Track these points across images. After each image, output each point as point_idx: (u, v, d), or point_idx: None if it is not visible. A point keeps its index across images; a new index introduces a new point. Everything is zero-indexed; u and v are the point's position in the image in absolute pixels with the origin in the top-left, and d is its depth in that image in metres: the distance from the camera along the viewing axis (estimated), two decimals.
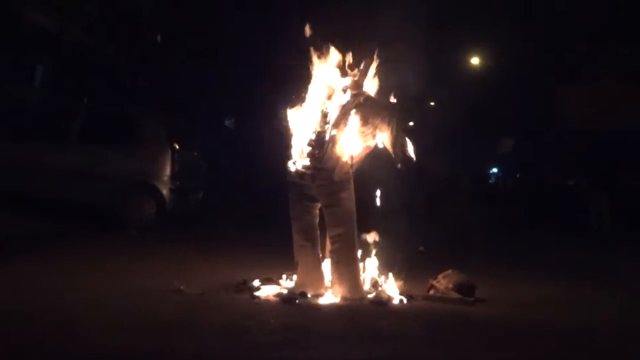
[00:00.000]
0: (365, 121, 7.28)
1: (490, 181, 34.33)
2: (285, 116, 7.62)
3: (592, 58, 23.77)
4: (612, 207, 16.65)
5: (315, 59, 7.59)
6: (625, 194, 17.55)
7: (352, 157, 7.31)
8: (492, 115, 29.69)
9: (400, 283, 7.48)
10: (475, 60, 30.47)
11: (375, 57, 7.52)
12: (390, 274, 7.52)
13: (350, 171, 7.32)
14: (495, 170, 32.29)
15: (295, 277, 7.40)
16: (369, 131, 7.31)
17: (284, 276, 7.57)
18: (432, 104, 30.80)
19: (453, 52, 28.24)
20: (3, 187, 12.36)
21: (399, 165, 7.30)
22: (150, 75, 21.98)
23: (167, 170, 12.55)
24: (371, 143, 7.40)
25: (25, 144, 12.57)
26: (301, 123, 7.54)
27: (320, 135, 7.36)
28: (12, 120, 13.11)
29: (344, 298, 7.07)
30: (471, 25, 25.32)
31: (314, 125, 7.47)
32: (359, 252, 7.40)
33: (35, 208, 11.96)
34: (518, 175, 26.67)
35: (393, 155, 7.28)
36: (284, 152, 7.59)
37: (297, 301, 6.88)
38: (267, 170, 14.11)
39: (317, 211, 7.43)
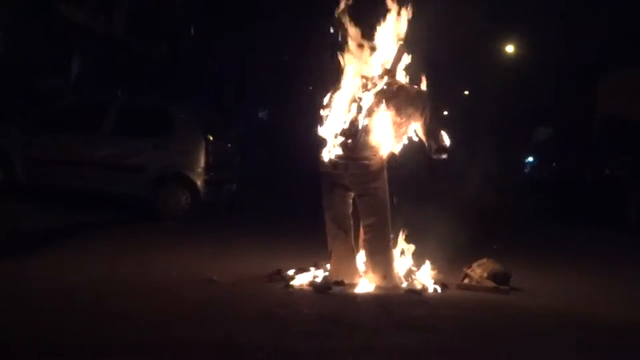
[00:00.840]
0: (398, 110, 7.23)
1: (526, 170, 33.97)
2: (320, 106, 7.62)
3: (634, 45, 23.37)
4: None
5: (348, 49, 7.57)
6: None
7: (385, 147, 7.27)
8: (529, 104, 29.40)
9: (435, 272, 7.44)
10: (510, 49, 30.15)
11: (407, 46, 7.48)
12: (425, 263, 7.49)
13: (384, 161, 7.29)
14: (531, 159, 31.90)
15: (328, 266, 7.39)
16: (402, 120, 7.25)
17: (314, 267, 7.54)
18: (467, 92, 30.58)
19: (490, 40, 28.00)
20: (41, 180, 12.54)
21: (433, 155, 7.25)
22: (184, 68, 22.10)
23: (201, 162, 12.60)
24: (405, 132, 7.35)
25: (61, 136, 12.72)
26: (335, 113, 7.52)
27: (353, 124, 7.33)
28: (48, 113, 13.27)
29: (377, 287, 7.04)
30: (508, 12, 25.08)
31: (347, 115, 7.43)
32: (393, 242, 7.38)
33: (72, 200, 12.10)
34: (554, 164, 26.29)
35: (427, 145, 7.23)
36: (318, 142, 7.58)
37: (330, 290, 6.87)
38: (301, 160, 14.10)
39: (350, 200, 7.40)
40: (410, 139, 7.39)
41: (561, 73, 26.74)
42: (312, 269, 7.47)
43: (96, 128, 12.73)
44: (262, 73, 23.78)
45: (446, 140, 7.21)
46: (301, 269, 7.42)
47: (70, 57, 18.09)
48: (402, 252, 7.53)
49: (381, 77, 7.42)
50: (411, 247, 7.57)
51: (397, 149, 7.37)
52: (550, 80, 27.46)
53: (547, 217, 17.23)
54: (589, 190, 19.12)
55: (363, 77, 7.54)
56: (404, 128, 7.30)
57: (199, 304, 6.13)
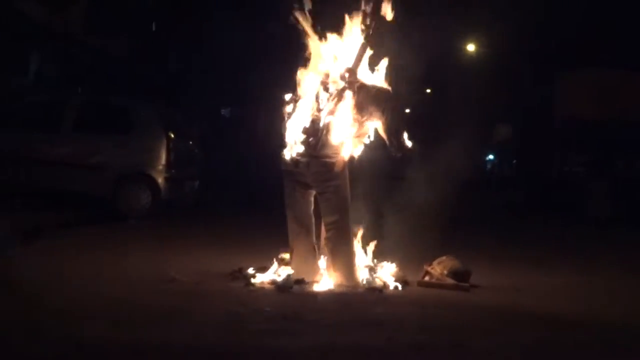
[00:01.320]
0: (359, 108, 7.25)
1: (487, 167, 34.33)
2: (281, 104, 7.62)
3: (593, 45, 23.71)
4: (611, 195, 16.58)
5: (309, 47, 7.57)
6: (624, 182, 17.52)
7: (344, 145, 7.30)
8: (489, 103, 29.63)
9: (395, 269, 7.49)
10: (471, 47, 30.40)
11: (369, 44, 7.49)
12: (385, 261, 7.54)
13: (345, 159, 7.31)
14: (491, 157, 32.25)
15: (290, 264, 7.40)
16: (364, 119, 7.28)
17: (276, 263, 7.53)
18: (428, 91, 30.74)
19: (449, 39, 28.16)
20: (1, 178, 12.37)
21: (394, 154, 7.29)
22: (145, 65, 21.93)
23: (163, 160, 12.57)
24: (366, 131, 7.38)
25: (20, 134, 12.57)
26: (296, 111, 7.53)
27: (314, 122, 7.34)
28: (6, 111, 13.09)
29: (339, 285, 7.07)
30: (467, 10, 25.24)
31: (309, 113, 7.44)
32: (354, 240, 7.42)
33: (31, 199, 11.97)
34: (514, 162, 26.64)
35: (388, 143, 7.26)
36: (279, 139, 7.59)
37: (292, 289, 6.89)
38: (262, 158, 14.11)
39: (312, 199, 7.43)
40: (371, 138, 7.42)
41: (520, 71, 27.01)
42: (273, 266, 7.47)
43: (56, 126, 12.61)
44: (224, 69, 23.69)
45: (406, 139, 7.25)
46: (262, 268, 7.42)
47: (28, 54, 17.83)
48: (363, 250, 7.58)
49: (343, 75, 7.43)
50: (372, 245, 7.62)
51: (358, 149, 7.40)
52: (509, 78, 27.72)
53: (509, 214, 17.45)
54: (550, 186, 19.43)
55: (325, 75, 7.55)
56: (366, 127, 7.33)
57: (160, 304, 6.10)
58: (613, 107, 20.43)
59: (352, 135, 7.31)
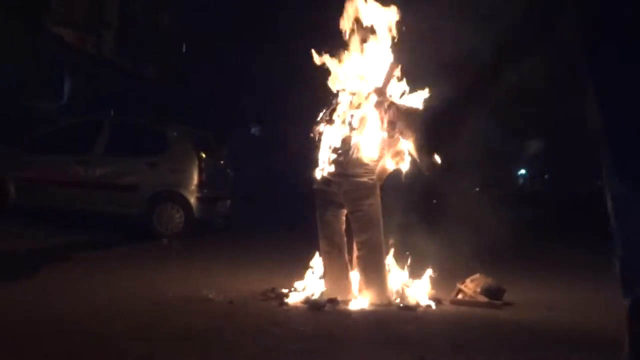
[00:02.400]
0: (389, 127, 7.28)
1: (519, 182, 34.08)
2: (313, 124, 7.68)
3: None
4: None
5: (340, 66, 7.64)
6: None
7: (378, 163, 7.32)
8: (522, 117, 29.43)
9: (429, 288, 7.47)
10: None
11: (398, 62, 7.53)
12: (418, 279, 7.52)
13: (377, 178, 7.33)
14: (523, 171, 32.02)
15: (323, 283, 7.41)
16: (395, 137, 7.30)
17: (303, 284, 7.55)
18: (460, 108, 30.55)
19: (480, 52, 28.07)
20: (34, 201, 12.57)
21: (425, 171, 7.29)
22: (175, 88, 22.17)
23: (195, 180, 12.69)
24: (401, 149, 7.38)
25: (55, 157, 12.77)
26: (327, 130, 7.58)
27: (345, 141, 7.38)
28: (41, 135, 13.31)
29: (371, 304, 7.07)
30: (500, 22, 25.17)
31: (340, 132, 7.49)
32: (387, 258, 7.42)
33: (67, 221, 12.13)
34: (546, 177, 26.44)
35: (418, 161, 7.27)
36: (311, 159, 7.63)
37: (325, 308, 6.90)
38: (294, 177, 14.15)
39: (344, 217, 7.45)
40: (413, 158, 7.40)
41: (553, 85, 26.79)
42: (303, 287, 7.48)
43: (89, 148, 12.79)
44: (255, 89, 23.85)
45: (437, 157, 7.25)
46: (295, 289, 7.44)
47: (62, 78, 18.13)
48: (397, 268, 7.57)
49: (372, 94, 7.47)
50: (405, 263, 7.61)
51: (403, 168, 7.39)
52: (542, 92, 27.51)
53: (541, 230, 17.27)
54: (581, 203, 19.22)
55: (354, 94, 7.60)
56: (400, 145, 7.34)
57: (194, 323, 6.14)
58: None
59: (387, 155, 7.32)
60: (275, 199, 18.69)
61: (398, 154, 7.36)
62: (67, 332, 5.63)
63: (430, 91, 7.53)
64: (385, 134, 7.27)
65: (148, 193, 12.56)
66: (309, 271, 7.59)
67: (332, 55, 7.68)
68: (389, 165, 7.40)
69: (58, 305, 6.61)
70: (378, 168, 7.34)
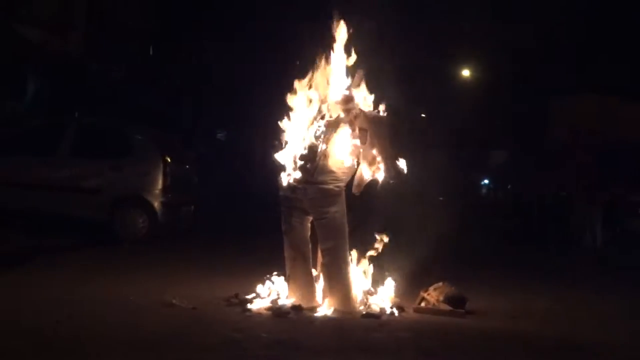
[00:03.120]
0: (361, 135, 7.31)
1: (483, 192, 34.40)
2: (278, 129, 7.68)
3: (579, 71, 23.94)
4: (605, 221, 16.57)
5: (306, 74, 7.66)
6: (619, 209, 17.55)
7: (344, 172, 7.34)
8: (485, 128, 29.76)
9: (392, 296, 7.50)
10: (466, 72, 30.59)
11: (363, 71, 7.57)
12: (382, 287, 7.55)
13: (342, 184, 7.35)
14: (486, 181, 32.34)
15: (287, 290, 7.41)
16: (362, 145, 7.33)
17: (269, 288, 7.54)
18: (423, 115, 30.85)
19: (444, 64, 28.34)
20: None
21: (390, 180, 7.33)
22: (141, 89, 22.01)
23: (159, 184, 12.59)
24: (371, 156, 7.39)
25: (17, 158, 12.60)
26: (293, 137, 7.58)
27: (312, 148, 7.39)
28: (5, 136, 13.12)
29: (336, 311, 7.08)
30: (462, 37, 25.46)
31: (306, 139, 7.50)
32: (350, 266, 7.43)
33: (27, 223, 11.97)
34: (509, 187, 26.72)
35: (385, 169, 7.30)
36: (276, 165, 7.63)
37: (289, 315, 6.90)
38: (258, 182, 14.15)
39: (309, 224, 7.45)
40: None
41: (515, 97, 27.17)
42: (268, 293, 7.47)
43: (53, 150, 12.63)
44: (221, 94, 23.78)
45: (403, 165, 7.30)
46: (259, 295, 7.42)
47: (25, 78, 17.89)
48: (362, 275, 7.59)
49: (340, 102, 7.49)
50: (369, 271, 7.63)
51: (379, 177, 7.40)
52: (505, 103, 27.87)
53: (504, 240, 17.45)
54: (544, 212, 19.47)
55: (322, 101, 7.61)
56: (369, 153, 7.34)
57: (157, 329, 6.10)
58: (607, 132, 20.55)
59: (363, 163, 7.33)
60: (240, 205, 18.63)
61: (373, 162, 7.37)
62: (29, 337, 5.57)
63: (389, 100, 7.57)
64: (358, 142, 7.28)
65: (111, 196, 12.43)
66: (273, 277, 7.57)
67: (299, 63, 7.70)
68: (366, 174, 7.41)
69: (19, 310, 6.53)
70: (356, 178, 7.35)
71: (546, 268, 12.09)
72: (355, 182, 7.41)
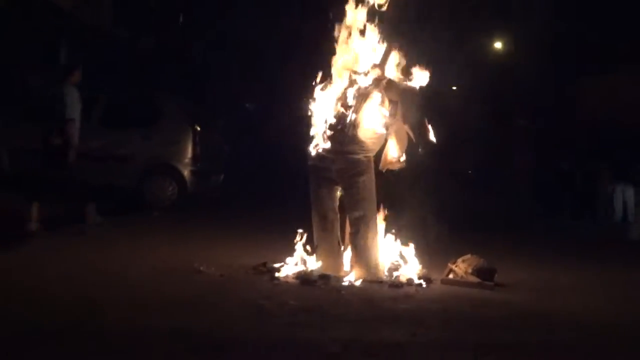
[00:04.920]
0: (391, 106, 7.28)
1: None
2: (308, 99, 7.66)
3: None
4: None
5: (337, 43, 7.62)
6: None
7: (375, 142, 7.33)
8: (515, 102, 29.41)
9: (420, 267, 7.49)
10: (498, 45, 30.19)
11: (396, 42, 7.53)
12: (410, 257, 7.54)
13: (371, 155, 7.33)
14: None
15: (315, 259, 7.43)
16: (391, 115, 7.30)
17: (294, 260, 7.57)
18: (454, 88, 30.57)
19: (475, 38, 28.00)
20: (25, 170, 12.50)
21: (420, 150, 7.30)
22: (172, 59, 22.04)
23: (189, 153, 12.64)
24: (393, 126, 7.37)
25: (47, 125, 12.68)
26: (323, 106, 7.56)
27: (341, 118, 7.37)
28: (35, 104, 13.22)
29: (363, 281, 7.10)
30: (493, 11, 25.12)
31: (336, 109, 7.47)
32: (380, 235, 7.43)
33: (57, 190, 12.08)
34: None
35: (414, 139, 7.27)
36: (306, 135, 7.62)
37: (316, 283, 6.92)
38: (288, 152, 14.13)
39: (337, 194, 7.45)
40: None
41: (545, 72, 26.77)
42: (297, 258, 7.50)
43: (84, 119, 12.71)
44: (250, 63, 23.73)
45: (432, 135, 7.25)
46: (287, 263, 7.45)
47: (58, 48, 17.97)
48: (389, 246, 7.59)
49: (370, 72, 7.45)
50: (398, 242, 7.63)
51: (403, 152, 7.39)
52: (534, 79, 27.50)
53: (534, 213, 17.34)
54: (574, 187, 19.27)
55: (352, 71, 7.58)
56: (393, 122, 7.31)
57: (185, 294, 6.16)
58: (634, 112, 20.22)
59: (387, 134, 7.32)
60: (269, 174, 18.64)
61: (402, 136, 7.34)
62: (62, 301, 5.65)
63: (429, 73, 7.50)
64: (387, 113, 7.25)
65: (141, 165, 12.51)
66: (301, 246, 7.59)
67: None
68: (393, 151, 7.39)
69: (51, 275, 6.61)
70: (384, 154, 7.34)
71: (578, 241, 11.98)
72: (383, 158, 7.40)
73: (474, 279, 7.31)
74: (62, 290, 5.99)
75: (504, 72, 27.63)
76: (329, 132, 7.36)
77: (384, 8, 7.52)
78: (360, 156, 7.25)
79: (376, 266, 7.25)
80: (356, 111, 7.30)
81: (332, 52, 7.64)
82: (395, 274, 7.33)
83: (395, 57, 7.59)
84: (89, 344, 4.57)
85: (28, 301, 5.56)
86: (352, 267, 7.31)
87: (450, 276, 7.55)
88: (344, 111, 7.38)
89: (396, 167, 7.42)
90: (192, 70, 22.65)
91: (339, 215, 7.46)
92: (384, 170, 7.45)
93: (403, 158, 7.40)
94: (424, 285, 7.18)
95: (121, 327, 4.99)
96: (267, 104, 25.86)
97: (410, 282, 7.19)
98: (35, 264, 7.14)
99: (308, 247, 7.53)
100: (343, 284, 7.01)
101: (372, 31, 7.57)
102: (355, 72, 7.55)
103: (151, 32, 21.83)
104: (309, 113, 7.65)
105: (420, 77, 7.48)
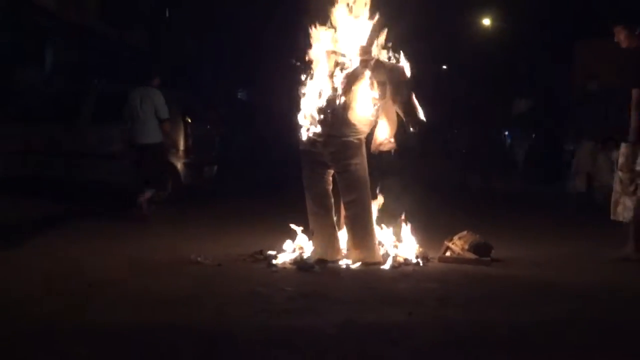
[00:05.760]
0: (380, 87, 7.24)
1: (507, 143, 33.99)
2: (297, 84, 7.62)
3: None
4: None
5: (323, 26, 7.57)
6: None
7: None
8: (508, 77, 29.40)
9: (417, 246, 7.49)
10: (486, 21, 30.16)
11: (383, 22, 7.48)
12: (407, 237, 7.54)
13: (362, 137, 7.31)
14: (507, 133, 31.80)
15: (311, 244, 7.42)
16: (381, 96, 7.26)
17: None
18: (444, 67, 30.58)
19: (464, 14, 27.97)
20: (17, 170, 12.48)
21: (411, 129, 7.27)
22: (161, 51, 21.98)
23: (181, 145, 12.59)
24: (383, 107, 7.34)
25: (38, 126, 12.66)
26: (312, 90, 7.52)
27: (331, 101, 7.33)
28: (24, 103, 13.19)
29: (360, 263, 7.09)
30: None
31: (325, 92, 7.43)
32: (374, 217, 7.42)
33: (49, 189, 12.07)
34: (534, 136, 26.32)
35: (404, 119, 7.25)
36: (296, 120, 7.59)
37: (314, 269, 6.92)
38: (279, 140, 14.11)
39: (330, 178, 7.43)
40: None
41: (538, 43, 26.73)
42: (293, 247, 7.50)
43: (74, 117, 12.68)
44: (240, 52, 23.69)
45: (421, 114, 7.22)
46: (282, 250, 7.44)
47: (43, 45, 17.90)
48: (384, 227, 7.59)
49: (357, 53, 7.41)
50: (393, 222, 7.62)
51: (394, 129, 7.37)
52: (527, 50, 27.48)
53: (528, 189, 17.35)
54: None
55: (339, 54, 7.53)
56: (382, 102, 7.28)
57: (183, 286, 6.15)
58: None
59: (381, 117, 7.30)
60: (263, 163, 18.62)
61: (392, 116, 7.32)
62: (58, 298, 5.64)
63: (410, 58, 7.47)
64: (377, 94, 7.22)
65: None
66: (297, 233, 7.58)
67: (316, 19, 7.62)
68: (383, 132, 7.37)
69: (48, 273, 6.59)
70: (375, 135, 7.32)
71: (570, 216, 11.95)
72: (374, 139, 7.38)
73: (471, 255, 7.31)
74: (58, 289, 5.96)
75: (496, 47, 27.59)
76: (319, 116, 7.33)
77: None
78: (352, 138, 7.22)
79: (373, 248, 7.24)
80: (345, 93, 7.26)
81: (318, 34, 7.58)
82: (392, 253, 7.32)
83: (382, 37, 7.54)
84: (85, 339, 4.56)
85: (21, 301, 5.53)
86: (348, 250, 7.31)
87: (448, 254, 7.55)
88: (333, 94, 7.35)
89: (387, 147, 7.40)
90: (181, 61, 22.59)
91: (333, 199, 7.44)
92: (376, 152, 7.43)
93: (393, 139, 7.38)
94: (422, 264, 7.18)
95: (121, 324, 4.97)
96: (259, 91, 25.85)
97: (408, 261, 7.20)
98: (30, 264, 7.11)
99: (304, 233, 7.53)
100: (340, 267, 7.01)
101: (360, 10, 7.51)
102: (342, 54, 7.50)
103: (140, 26, 21.76)
104: (300, 98, 7.61)
105: (407, 57, 7.44)
